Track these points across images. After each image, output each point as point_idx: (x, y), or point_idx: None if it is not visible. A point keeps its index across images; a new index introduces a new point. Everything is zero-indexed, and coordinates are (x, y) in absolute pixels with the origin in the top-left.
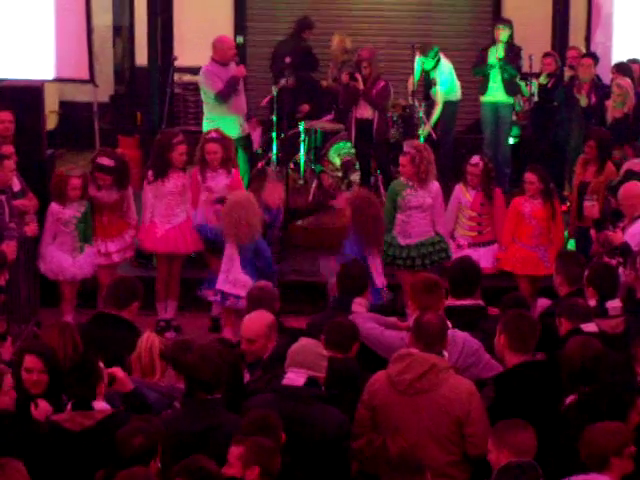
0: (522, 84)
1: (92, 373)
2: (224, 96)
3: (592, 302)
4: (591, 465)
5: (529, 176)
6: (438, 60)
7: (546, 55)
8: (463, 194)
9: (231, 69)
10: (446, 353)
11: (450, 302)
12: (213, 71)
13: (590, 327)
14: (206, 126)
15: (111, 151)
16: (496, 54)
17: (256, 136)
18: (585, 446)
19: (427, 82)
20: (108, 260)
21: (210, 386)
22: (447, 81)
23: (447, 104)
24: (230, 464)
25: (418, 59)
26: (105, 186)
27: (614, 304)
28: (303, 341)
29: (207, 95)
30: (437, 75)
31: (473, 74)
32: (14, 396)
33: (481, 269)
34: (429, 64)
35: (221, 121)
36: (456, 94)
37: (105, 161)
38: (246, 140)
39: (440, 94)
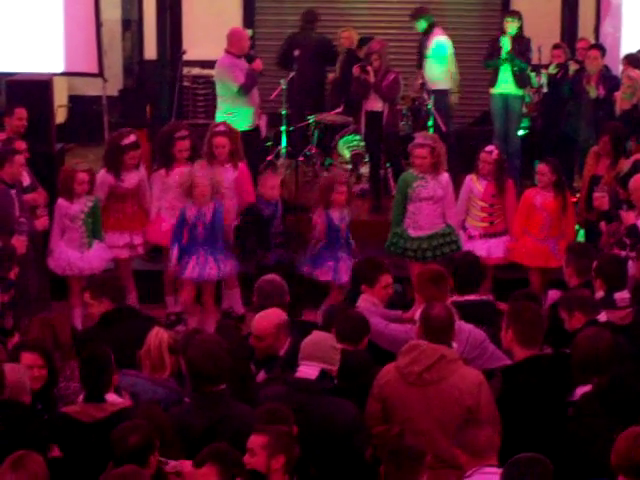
0: (532, 75)
1: (106, 365)
2: (247, 89)
3: (600, 293)
4: (627, 470)
5: (542, 167)
6: (432, 27)
7: (555, 47)
8: (474, 184)
9: (244, 61)
10: (455, 344)
11: (455, 298)
12: (233, 63)
13: (603, 317)
14: (220, 119)
15: (126, 130)
16: (505, 51)
17: (262, 125)
18: (628, 450)
19: (421, 50)
20: (133, 252)
21: (213, 378)
22: (439, 56)
23: (435, 93)
24: (254, 453)
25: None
26: (133, 166)
27: (622, 295)
28: (316, 334)
29: (226, 88)
30: (429, 46)
31: (485, 66)
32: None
33: (484, 264)
34: (421, 26)
35: (237, 113)
36: (444, 82)
37: (131, 138)
38: (256, 132)
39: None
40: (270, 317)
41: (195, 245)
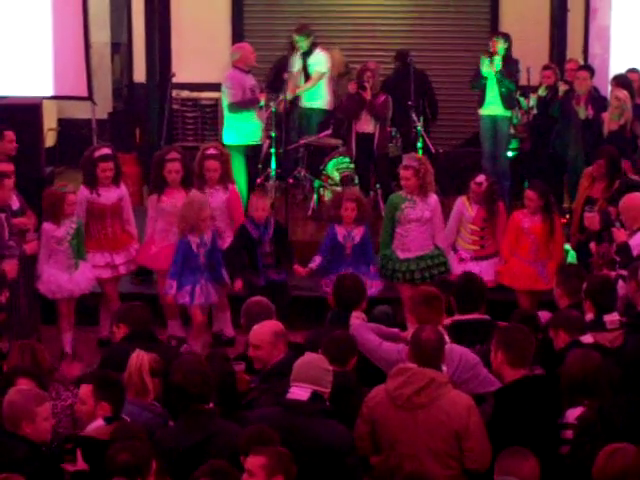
0: (521, 99)
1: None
2: (236, 109)
3: (590, 315)
4: None
5: (529, 193)
6: (313, 45)
7: (545, 68)
8: (466, 208)
9: (250, 77)
10: (445, 367)
11: (457, 317)
12: (237, 78)
13: (587, 339)
14: (227, 131)
15: (102, 143)
16: (492, 66)
17: (264, 147)
18: (604, 466)
19: (306, 69)
20: (114, 272)
21: (199, 396)
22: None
23: (311, 112)
24: (252, 474)
25: (295, 37)
26: (107, 179)
27: (612, 317)
28: (308, 356)
29: (224, 101)
30: (312, 61)
31: (471, 88)
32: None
33: (485, 283)
34: (302, 43)
35: (245, 125)
36: (319, 102)
37: (104, 151)
38: (257, 150)
39: (316, 72)
40: (266, 326)
41: (197, 272)
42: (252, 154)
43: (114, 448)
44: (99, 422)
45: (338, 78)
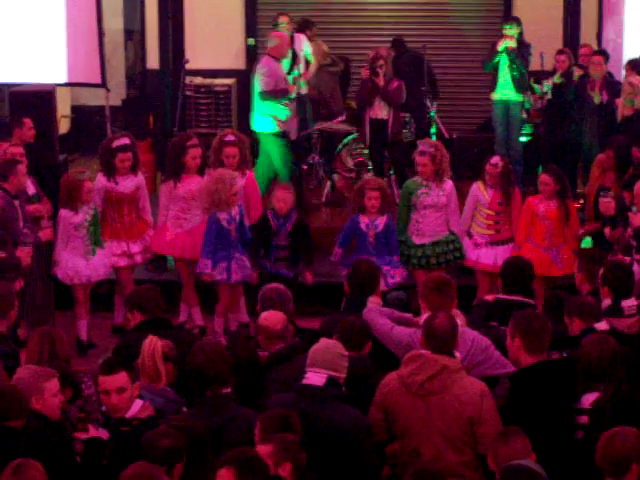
0: (535, 86)
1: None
2: (267, 98)
3: (607, 301)
4: (609, 470)
5: (544, 177)
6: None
7: (560, 52)
8: (481, 193)
9: (282, 67)
10: (458, 354)
11: (501, 295)
12: (272, 67)
13: (602, 326)
14: (258, 118)
15: (121, 133)
16: (504, 45)
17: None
18: (605, 450)
19: (296, 57)
20: (131, 261)
21: (216, 380)
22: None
23: (306, 99)
24: None
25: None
26: (125, 169)
27: (629, 303)
28: (324, 341)
29: (255, 87)
30: (303, 47)
31: (484, 70)
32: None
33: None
34: (287, 26)
35: (275, 113)
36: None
37: (123, 140)
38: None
39: (312, 56)
40: (276, 314)
41: (230, 249)
42: (282, 137)
43: (154, 434)
44: (138, 402)
45: (319, 69)
